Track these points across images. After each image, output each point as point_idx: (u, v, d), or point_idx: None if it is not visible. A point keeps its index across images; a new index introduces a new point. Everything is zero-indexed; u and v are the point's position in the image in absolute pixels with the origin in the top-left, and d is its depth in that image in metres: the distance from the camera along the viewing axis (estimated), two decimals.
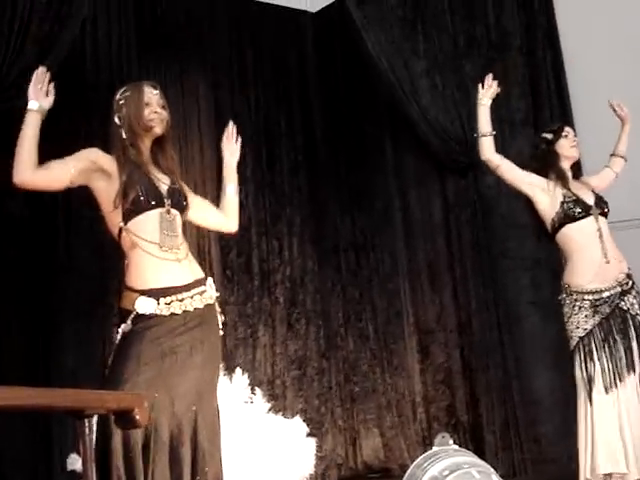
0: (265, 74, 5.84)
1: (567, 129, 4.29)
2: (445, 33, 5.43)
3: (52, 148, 4.93)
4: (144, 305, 2.87)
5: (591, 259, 3.95)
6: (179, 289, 2.92)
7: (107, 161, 3.00)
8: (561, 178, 4.13)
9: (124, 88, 3.14)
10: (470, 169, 5.32)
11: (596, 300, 3.91)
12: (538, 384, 5.11)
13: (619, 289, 3.91)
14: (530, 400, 5.08)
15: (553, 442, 5.05)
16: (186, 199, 3.10)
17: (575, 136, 4.29)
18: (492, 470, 2.47)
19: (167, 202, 3.00)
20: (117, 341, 2.92)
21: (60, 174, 2.98)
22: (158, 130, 3.07)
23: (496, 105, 5.43)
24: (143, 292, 2.89)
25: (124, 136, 3.02)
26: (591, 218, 4.06)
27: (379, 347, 5.47)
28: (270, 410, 4.55)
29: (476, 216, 5.31)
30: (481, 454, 4.83)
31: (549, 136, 4.26)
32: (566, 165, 4.23)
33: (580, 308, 3.95)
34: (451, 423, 5.21)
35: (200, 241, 5.45)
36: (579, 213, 4.04)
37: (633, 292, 3.93)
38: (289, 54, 5.96)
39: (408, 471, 2.55)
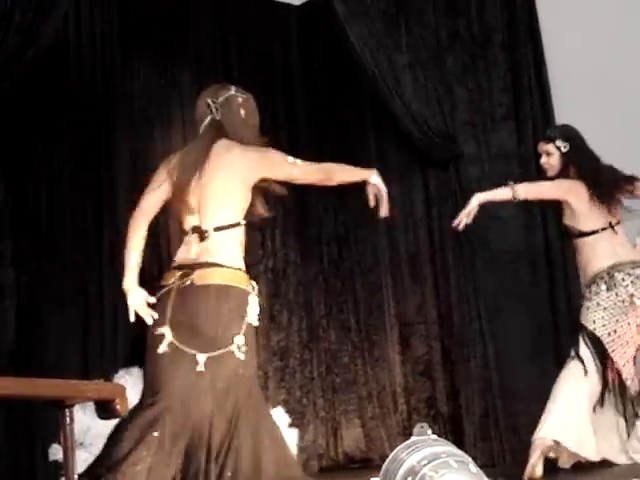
0: (249, 67, 5.84)
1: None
2: (428, 28, 5.46)
3: (36, 139, 4.96)
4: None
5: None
6: None
7: None
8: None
9: (224, 87, 3.32)
10: (452, 162, 5.37)
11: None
12: (518, 375, 5.17)
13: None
14: (510, 391, 5.13)
15: (532, 432, 5.10)
16: None
17: None
18: (470, 459, 2.50)
19: None
20: None
21: None
22: None
23: (479, 99, 5.51)
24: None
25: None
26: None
27: (360, 339, 5.51)
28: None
29: (457, 209, 5.33)
30: (460, 444, 4.89)
31: None
32: None
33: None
34: (431, 414, 5.26)
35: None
36: None
37: None
38: (273, 47, 5.97)
39: (387, 461, 2.58)
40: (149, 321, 2.95)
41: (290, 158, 3.15)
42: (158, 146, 5.35)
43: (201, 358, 2.87)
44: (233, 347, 2.90)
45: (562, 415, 3.97)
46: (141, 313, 2.96)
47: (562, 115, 5.44)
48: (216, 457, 2.80)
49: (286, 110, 5.90)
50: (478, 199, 4.15)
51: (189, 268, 2.98)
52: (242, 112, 3.22)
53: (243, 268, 3.06)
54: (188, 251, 3.05)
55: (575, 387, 4.03)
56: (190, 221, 3.08)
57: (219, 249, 3.01)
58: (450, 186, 5.37)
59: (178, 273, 3.00)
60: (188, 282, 2.95)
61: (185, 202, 3.08)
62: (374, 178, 3.37)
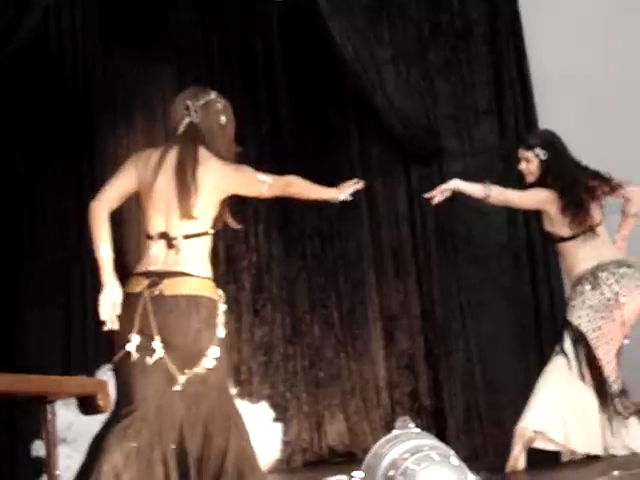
0: (231, 61, 5.83)
1: None
2: (410, 22, 5.46)
3: (17, 137, 4.93)
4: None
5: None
6: None
7: None
8: None
9: (205, 90, 3.26)
10: (434, 156, 5.38)
11: None
12: (501, 369, 5.19)
13: None
14: (492, 385, 5.16)
15: (515, 426, 5.13)
16: None
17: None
18: (452, 452, 2.52)
19: None
20: None
21: None
22: None
23: (461, 93, 5.52)
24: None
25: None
26: None
27: (344, 333, 5.51)
28: (236, 395, 4.57)
29: (440, 203, 5.35)
30: (443, 438, 4.90)
31: None
32: None
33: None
34: (414, 408, 5.28)
35: None
36: None
37: None
38: (255, 41, 5.94)
39: (369, 454, 2.59)
40: (110, 326, 2.87)
41: (261, 176, 3.09)
42: (140, 142, 5.33)
43: (180, 376, 2.85)
44: (207, 361, 2.88)
45: (544, 406, 4.00)
46: (103, 314, 2.87)
47: (544, 109, 5.47)
48: (196, 461, 2.80)
49: (268, 104, 5.88)
50: (455, 185, 4.25)
51: (157, 276, 2.91)
52: (222, 119, 3.18)
53: (211, 277, 3.02)
54: (156, 258, 2.96)
55: (559, 380, 4.06)
56: (156, 225, 3.00)
57: (188, 258, 2.95)
58: (433, 180, 5.35)
59: (145, 281, 2.92)
60: (157, 292, 2.89)
61: (152, 204, 3.01)
62: (342, 196, 3.37)
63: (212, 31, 5.81)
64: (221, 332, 2.96)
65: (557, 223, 4.19)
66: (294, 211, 5.70)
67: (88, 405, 2.62)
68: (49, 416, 2.44)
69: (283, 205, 5.80)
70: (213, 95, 3.20)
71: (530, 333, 5.24)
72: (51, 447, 2.45)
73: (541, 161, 4.27)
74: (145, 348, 2.83)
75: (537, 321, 5.21)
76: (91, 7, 5.27)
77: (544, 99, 5.48)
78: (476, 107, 5.51)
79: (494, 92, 5.51)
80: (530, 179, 4.32)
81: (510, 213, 5.36)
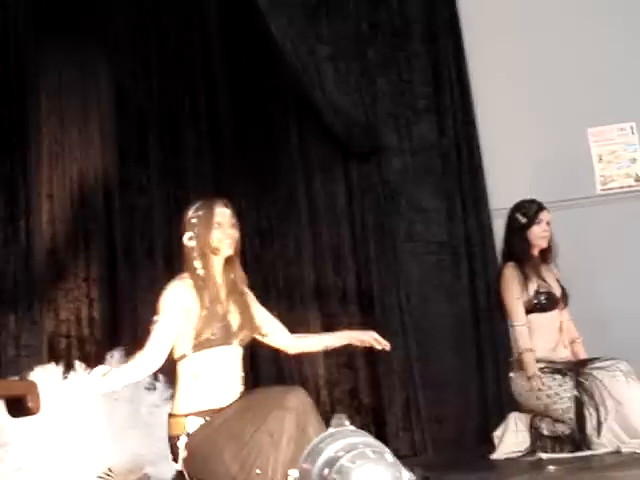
0: (168, 57, 5.75)
1: (542, 216, 4.37)
2: (349, 19, 5.46)
3: None
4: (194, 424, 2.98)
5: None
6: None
7: (189, 297, 3.06)
8: (535, 272, 4.33)
9: (196, 206, 3.17)
10: (373, 154, 5.38)
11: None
12: (440, 366, 5.22)
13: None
14: (432, 382, 5.18)
15: (454, 422, 5.17)
16: (262, 334, 3.31)
17: (548, 223, 4.39)
18: (387, 449, 2.51)
19: (235, 340, 3.12)
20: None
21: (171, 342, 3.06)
22: (227, 252, 3.15)
23: (400, 91, 5.54)
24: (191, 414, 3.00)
25: (196, 259, 3.10)
26: (556, 311, 4.34)
27: None
28: (172, 397, 4.50)
29: (379, 201, 5.37)
30: (383, 435, 4.93)
31: (523, 220, 4.37)
32: (535, 252, 4.36)
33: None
34: (354, 405, 5.27)
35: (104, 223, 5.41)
36: (549, 306, 4.31)
37: None
38: (193, 37, 5.88)
39: (305, 452, 2.57)
40: None
41: None
42: (74, 137, 5.25)
43: None
44: None
45: None
46: None
47: (482, 108, 5.52)
48: None
49: (207, 101, 5.81)
50: None
51: None
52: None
53: None
54: None
55: None
56: None
57: None
58: (372, 178, 5.38)
59: None
60: None
61: None
62: None
63: (149, 26, 5.73)
64: None
65: None
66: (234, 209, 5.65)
67: (16, 407, 2.54)
68: None
69: None
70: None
71: (468, 329, 5.28)
72: None
73: None
74: None
75: (475, 317, 5.25)
76: (25, 2, 5.16)
77: (482, 98, 5.53)
78: (415, 105, 5.54)
79: (433, 91, 5.54)
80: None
81: (449, 209, 5.40)
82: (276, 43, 5.17)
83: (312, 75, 5.22)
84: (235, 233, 3.17)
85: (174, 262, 5.45)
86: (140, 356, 2.99)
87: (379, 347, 3.39)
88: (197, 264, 3.08)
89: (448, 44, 5.55)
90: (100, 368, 2.94)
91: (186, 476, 2.95)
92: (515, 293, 4.27)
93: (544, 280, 4.33)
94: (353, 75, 5.39)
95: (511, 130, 5.46)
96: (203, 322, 3.00)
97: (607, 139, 5.37)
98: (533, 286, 4.29)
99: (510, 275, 4.30)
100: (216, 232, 3.12)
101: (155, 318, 3.00)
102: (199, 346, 3.02)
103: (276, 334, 3.34)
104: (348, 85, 5.36)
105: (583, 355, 4.35)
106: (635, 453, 3.87)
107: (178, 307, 3.02)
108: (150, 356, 3.00)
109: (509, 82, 5.52)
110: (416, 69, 5.56)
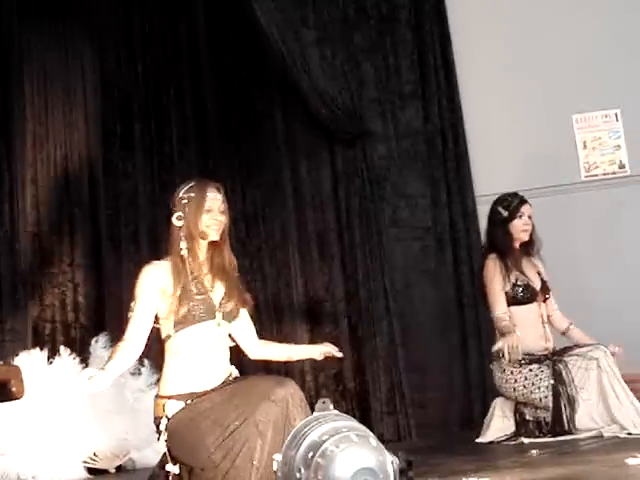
0: (154, 42, 5.73)
1: (523, 209, 4.38)
2: (335, 3, 5.44)
3: None
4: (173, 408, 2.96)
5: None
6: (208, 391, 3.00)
7: (164, 278, 3.03)
8: (515, 264, 4.34)
9: (189, 186, 3.12)
10: (359, 139, 5.37)
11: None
12: (424, 350, 5.25)
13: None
14: (416, 367, 5.20)
15: (438, 407, 5.20)
16: (237, 312, 3.17)
17: (530, 217, 4.39)
18: (370, 433, 2.51)
19: (218, 315, 3.07)
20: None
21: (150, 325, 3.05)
22: (214, 237, 3.11)
23: (386, 77, 5.53)
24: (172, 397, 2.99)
25: (182, 240, 3.07)
26: (535, 304, 4.35)
27: (269, 316, 5.48)
28: (157, 382, 4.51)
29: (364, 186, 5.37)
30: (367, 419, 4.95)
31: (504, 213, 4.37)
32: (516, 245, 4.39)
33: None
34: (339, 390, 5.30)
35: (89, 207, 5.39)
36: (527, 298, 4.32)
37: None
38: (179, 22, 5.85)
39: (289, 437, 2.58)
40: None
41: None
42: (58, 121, 5.21)
43: None
44: None
45: None
46: None
47: (467, 95, 5.52)
48: None
49: (192, 86, 5.80)
50: None
51: None
52: None
53: None
54: None
55: None
56: None
57: None
58: (357, 164, 5.38)
59: None
60: None
61: None
62: None
63: (134, 11, 5.70)
64: None
65: None
66: None
67: (0, 392, 2.55)
68: None
69: None
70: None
71: (453, 314, 5.30)
72: None
73: None
74: None
75: (459, 302, 5.28)
76: None
77: (467, 84, 5.53)
78: (401, 91, 5.54)
79: (419, 76, 5.54)
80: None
81: (433, 195, 5.41)
82: (262, 28, 5.15)
83: (298, 60, 5.21)
84: (224, 219, 3.15)
85: (159, 247, 5.47)
86: (121, 347, 3.00)
87: (339, 355, 3.40)
88: (183, 244, 3.08)
89: (434, 30, 5.54)
90: (87, 371, 2.94)
91: (168, 458, 2.95)
92: (498, 285, 4.30)
93: (523, 273, 4.34)
94: (339, 60, 5.37)
95: (496, 116, 5.48)
96: (178, 300, 3.00)
97: (592, 126, 5.39)
98: (512, 278, 4.31)
99: (493, 267, 4.32)
100: (205, 217, 3.10)
101: (132, 304, 3.01)
102: (180, 323, 3.01)
103: (246, 334, 3.33)
104: (334, 70, 5.35)
105: (585, 338, 4.36)
106: (616, 437, 3.91)
107: (152, 289, 3.02)
108: (131, 344, 3.00)
109: (494, 69, 5.53)
110: (402, 55, 5.56)
